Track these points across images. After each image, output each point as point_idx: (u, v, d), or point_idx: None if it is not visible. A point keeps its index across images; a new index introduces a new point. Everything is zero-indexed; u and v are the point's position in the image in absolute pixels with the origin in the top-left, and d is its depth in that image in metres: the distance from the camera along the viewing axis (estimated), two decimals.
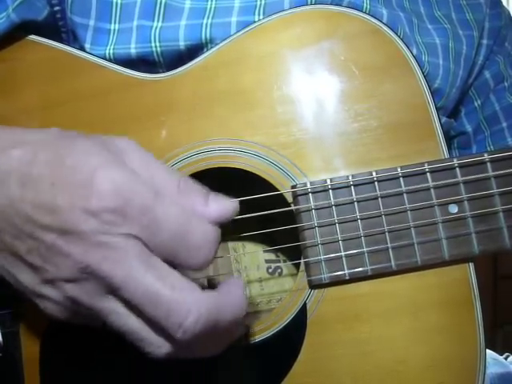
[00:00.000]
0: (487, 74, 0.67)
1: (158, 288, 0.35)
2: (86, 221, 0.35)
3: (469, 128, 0.69)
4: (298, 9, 0.51)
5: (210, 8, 0.54)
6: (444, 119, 0.64)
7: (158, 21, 0.54)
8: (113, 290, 0.35)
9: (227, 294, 0.38)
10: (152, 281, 0.35)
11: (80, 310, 0.38)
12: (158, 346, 0.36)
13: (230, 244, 0.62)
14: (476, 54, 0.65)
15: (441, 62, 0.61)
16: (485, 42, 0.66)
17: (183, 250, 0.36)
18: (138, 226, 0.35)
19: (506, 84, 0.67)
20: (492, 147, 0.67)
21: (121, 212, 0.34)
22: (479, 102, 0.68)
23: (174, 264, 0.36)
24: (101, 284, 0.35)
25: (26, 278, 0.38)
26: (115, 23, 0.54)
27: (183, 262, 0.36)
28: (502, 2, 0.70)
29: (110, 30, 0.54)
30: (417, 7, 0.63)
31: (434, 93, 0.61)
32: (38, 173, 0.36)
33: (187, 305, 0.35)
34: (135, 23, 0.53)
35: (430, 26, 0.63)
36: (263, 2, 0.54)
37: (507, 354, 0.72)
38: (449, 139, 0.71)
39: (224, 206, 0.39)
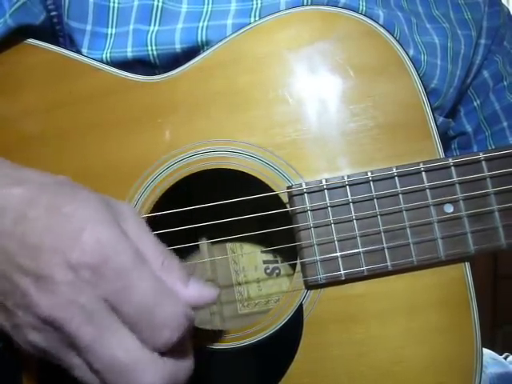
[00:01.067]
0: (486, 74, 0.67)
1: (121, 358, 0.35)
2: (62, 272, 0.35)
3: (469, 128, 0.69)
4: (294, 9, 0.51)
5: (207, 11, 0.54)
6: (441, 119, 0.64)
7: (154, 25, 0.54)
8: (77, 348, 0.36)
9: (181, 360, 0.38)
10: (116, 350, 0.35)
11: (46, 356, 0.38)
12: None
13: (228, 245, 0.63)
14: (474, 53, 0.65)
15: (439, 62, 0.61)
16: (483, 41, 0.66)
17: (147, 324, 0.36)
18: (110, 289, 0.35)
19: (505, 83, 0.67)
20: (493, 147, 0.67)
21: (98, 270, 0.35)
22: (478, 101, 0.68)
23: (138, 335, 0.36)
24: (65, 339, 0.36)
25: (1, 320, 0.38)
26: (112, 27, 0.54)
27: (145, 336, 0.36)
28: (500, 0, 0.70)
29: (107, 34, 0.54)
30: (415, 7, 0.63)
31: (431, 93, 0.61)
32: (34, 215, 0.36)
33: (147, 378, 0.35)
34: (131, 27, 0.54)
35: (428, 26, 0.63)
36: (259, 5, 0.54)
37: (507, 353, 0.71)
38: (447, 139, 0.71)
39: (203, 292, 0.39)
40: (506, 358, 0.70)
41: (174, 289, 0.37)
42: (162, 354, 0.37)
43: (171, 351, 0.37)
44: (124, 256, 0.35)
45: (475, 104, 0.68)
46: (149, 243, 0.38)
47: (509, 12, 0.71)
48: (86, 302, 0.35)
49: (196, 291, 0.38)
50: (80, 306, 0.35)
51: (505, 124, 0.66)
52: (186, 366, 0.39)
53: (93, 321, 0.35)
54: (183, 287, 0.38)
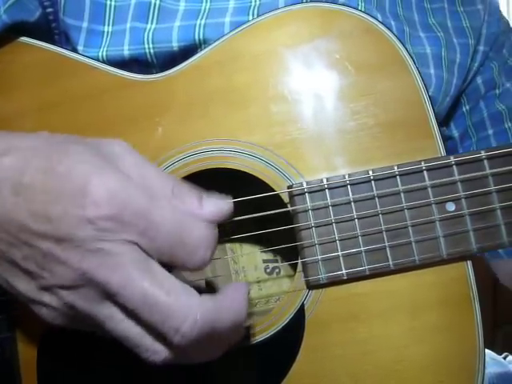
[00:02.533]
0: (479, 80, 0.67)
1: (154, 293, 0.35)
2: (82, 228, 0.34)
3: (455, 133, 0.69)
4: (293, 7, 0.51)
5: (204, 9, 0.54)
6: None
7: (151, 23, 0.53)
8: (110, 296, 0.35)
9: (226, 298, 0.38)
10: (149, 286, 0.35)
11: (77, 315, 0.37)
12: (155, 352, 0.36)
13: (228, 245, 0.62)
14: (472, 60, 0.65)
15: (432, 71, 0.60)
16: (481, 48, 0.66)
17: (181, 251, 0.36)
18: (134, 232, 0.35)
19: (497, 91, 0.67)
20: None
21: (117, 218, 0.34)
22: (467, 107, 0.68)
23: (172, 266, 0.37)
24: (97, 290, 0.35)
25: (22, 285, 0.38)
26: (109, 25, 0.54)
27: (181, 263, 0.37)
28: (500, 11, 0.70)
29: (103, 32, 0.54)
30: (411, 14, 0.63)
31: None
32: (30, 181, 0.36)
33: (184, 310, 0.35)
34: (128, 25, 0.53)
35: (422, 35, 0.62)
36: (258, 3, 0.54)
37: (506, 353, 0.71)
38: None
39: (218, 206, 0.39)
40: (505, 358, 0.70)
41: (191, 210, 0.37)
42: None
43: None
44: (138, 198, 0.35)
45: (464, 109, 0.68)
46: (152, 175, 0.38)
47: (508, 23, 0.70)
48: (112, 248, 0.35)
49: (212, 207, 0.38)
50: (107, 254, 0.35)
51: (490, 132, 0.66)
52: (232, 305, 0.37)
53: (120, 265, 0.35)
54: (199, 207, 0.38)
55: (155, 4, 0.53)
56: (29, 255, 0.36)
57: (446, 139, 0.69)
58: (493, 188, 0.47)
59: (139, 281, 0.35)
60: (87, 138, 0.39)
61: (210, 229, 0.38)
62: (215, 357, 0.39)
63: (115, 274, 0.35)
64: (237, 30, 0.51)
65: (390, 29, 0.50)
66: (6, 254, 0.37)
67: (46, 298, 0.37)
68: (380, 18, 0.57)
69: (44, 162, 0.36)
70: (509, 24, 0.71)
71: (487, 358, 0.68)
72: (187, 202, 0.38)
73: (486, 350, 0.71)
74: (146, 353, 0.36)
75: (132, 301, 0.35)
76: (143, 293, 0.34)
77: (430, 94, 0.59)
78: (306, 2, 0.53)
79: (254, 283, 0.62)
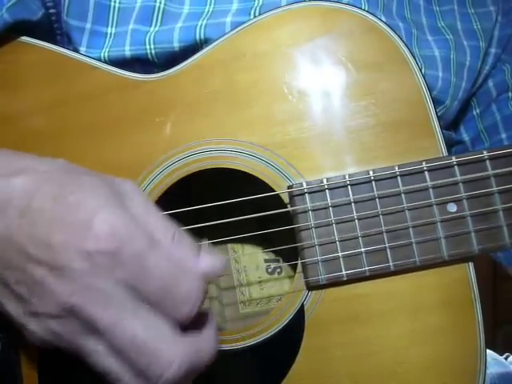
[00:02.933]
0: (490, 83, 0.65)
1: (143, 337, 0.35)
2: (78, 260, 0.35)
3: (466, 137, 0.67)
4: (295, 5, 0.51)
5: (208, 11, 0.54)
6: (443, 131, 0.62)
7: (155, 26, 0.54)
8: (96, 333, 0.36)
9: (203, 339, 0.38)
10: (138, 329, 0.35)
11: (61, 343, 0.38)
12: None
13: (229, 245, 0.62)
14: (482, 63, 0.63)
15: (440, 74, 0.59)
16: (493, 50, 0.64)
17: (169, 301, 0.36)
18: (128, 272, 0.35)
19: (509, 94, 0.65)
20: None
21: (114, 256, 0.35)
22: (478, 110, 0.66)
23: (160, 312, 0.36)
24: (84, 325, 0.36)
25: (12, 308, 0.38)
26: (112, 27, 0.54)
27: (167, 312, 0.36)
28: None
29: (106, 33, 0.54)
30: (418, 17, 0.62)
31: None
32: (38, 206, 0.36)
33: (170, 356, 0.35)
34: (131, 27, 0.53)
35: (430, 38, 0.61)
36: (260, 3, 0.54)
37: (507, 353, 0.71)
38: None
39: (214, 262, 0.39)
40: (506, 358, 0.70)
41: (189, 262, 0.38)
42: (184, 330, 0.37)
43: (193, 329, 0.38)
44: (138, 240, 0.35)
45: (474, 112, 0.67)
46: (157, 220, 0.38)
47: None
48: (104, 286, 0.35)
49: (208, 262, 0.38)
50: (98, 291, 0.35)
51: (503, 136, 0.64)
52: (208, 345, 0.38)
53: (112, 303, 0.35)
54: (195, 260, 0.38)
55: (159, 8, 0.54)
56: (21, 280, 0.36)
57: (455, 143, 0.68)
58: (495, 189, 0.47)
59: (129, 323, 0.35)
60: (102, 174, 0.39)
61: (201, 283, 0.37)
62: None
63: (105, 312, 0.35)
64: (238, 29, 0.51)
65: (392, 28, 0.50)
66: (1, 275, 0.37)
67: (32, 323, 0.37)
68: (386, 20, 0.56)
69: (56, 189, 0.36)
70: None
71: (488, 359, 0.68)
72: (185, 252, 0.38)
73: (488, 351, 0.70)
74: None
75: (120, 341, 0.35)
76: (132, 334, 0.35)
77: (434, 95, 0.58)
78: (308, 0, 0.53)
79: (255, 283, 0.62)
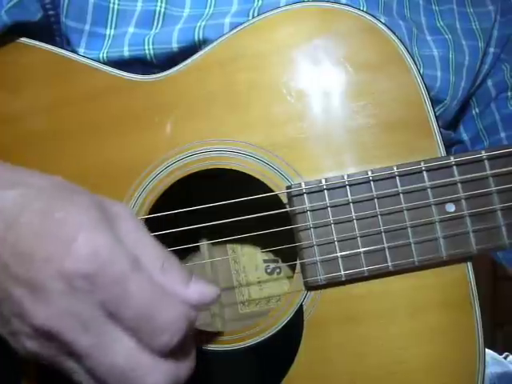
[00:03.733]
0: (490, 83, 0.65)
1: (121, 364, 0.35)
2: (55, 281, 0.34)
3: (465, 137, 0.67)
4: (293, 6, 0.51)
5: (208, 13, 0.54)
6: (442, 131, 0.62)
7: (155, 29, 0.54)
8: (74, 357, 0.35)
9: (184, 355, 0.38)
10: (116, 355, 0.35)
11: (44, 362, 0.37)
12: None
13: (229, 245, 0.62)
14: (481, 63, 0.63)
15: (439, 74, 0.59)
16: (492, 50, 0.64)
17: (146, 330, 0.35)
18: (107, 296, 0.34)
19: (509, 94, 0.65)
20: None
21: (92, 279, 0.34)
22: (477, 110, 0.66)
23: (138, 339, 0.36)
24: (62, 348, 0.36)
25: None
26: (111, 28, 0.54)
27: (144, 340, 0.36)
28: None
29: (105, 34, 0.54)
30: (418, 17, 0.62)
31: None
32: (26, 220, 0.35)
33: (149, 381, 0.35)
34: (132, 30, 0.53)
35: (429, 38, 0.61)
36: (259, 4, 0.54)
37: (506, 353, 0.71)
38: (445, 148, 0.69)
39: (204, 290, 0.38)
40: (505, 358, 0.70)
41: (175, 290, 0.37)
42: (163, 354, 0.36)
43: (172, 352, 0.37)
44: (119, 263, 0.35)
45: (474, 112, 0.67)
46: (147, 246, 0.37)
47: None
48: (81, 310, 0.34)
49: (197, 291, 0.38)
50: (75, 315, 0.34)
51: (503, 135, 0.65)
52: (187, 365, 0.38)
53: (90, 329, 0.34)
54: (184, 288, 0.37)
55: (160, 12, 0.54)
56: (3, 298, 0.36)
57: (455, 143, 0.68)
58: (493, 189, 0.47)
59: (107, 348, 0.35)
60: (95, 195, 0.39)
61: (184, 312, 0.36)
62: None
63: (82, 338, 0.34)
64: (237, 30, 0.51)
65: (391, 28, 0.50)
66: None
67: (13, 342, 0.37)
68: (386, 20, 0.56)
69: (44, 205, 0.36)
70: None
71: (487, 358, 0.68)
72: (174, 279, 0.37)
73: (487, 350, 0.70)
74: None
75: (98, 368, 0.35)
76: (111, 362, 0.35)
77: (432, 95, 0.58)
78: (307, 1, 0.53)
79: (254, 283, 0.62)
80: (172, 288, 0.37)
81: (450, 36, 0.62)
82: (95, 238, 0.35)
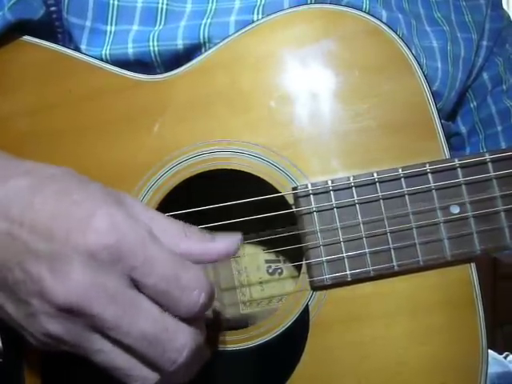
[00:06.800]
0: (485, 76, 0.66)
1: (151, 329, 0.35)
2: (78, 255, 0.34)
3: (463, 129, 0.68)
4: (297, 8, 0.51)
5: (210, 10, 0.54)
6: (442, 122, 0.63)
7: (159, 25, 0.54)
8: (101, 330, 0.35)
9: (201, 328, 0.39)
10: (145, 322, 0.35)
11: (64, 345, 0.37)
12: (146, 379, 0.37)
13: None
14: (475, 55, 0.65)
15: (439, 65, 0.60)
16: (485, 43, 0.66)
17: (175, 291, 0.36)
18: (130, 265, 0.35)
19: (503, 87, 0.66)
20: (485, 150, 0.66)
21: (114, 249, 0.35)
22: (475, 103, 0.67)
23: (165, 306, 0.37)
24: (88, 323, 0.35)
25: (12, 310, 0.38)
26: (111, 25, 0.53)
27: (174, 303, 0.36)
28: (502, 4, 0.69)
29: (106, 31, 0.53)
30: (416, 8, 0.63)
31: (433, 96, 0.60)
32: (41, 201, 0.36)
33: (180, 343, 0.36)
34: (135, 28, 0.53)
35: (428, 29, 0.62)
36: (263, 2, 0.54)
37: (507, 353, 0.72)
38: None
39: (230, 237, 0.40)
40: (506, 358, 0.70)
41: (205, 245, 0.39)
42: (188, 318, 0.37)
43: (193, 318, 0.38)
44: (139, 232, 0.36)
45: (471, 105, 0.68)
46: (164, 221, 0.39)
47: (509, 16, 0.70)
48: (106, 281, 0.35)
49: (225, 239, 0.40)
50: (101, 287, 0.35)
51: (499, 128, 0.66)
52: (203, 334, 0.39)
53: (116, 299, 0.35)
54: (212, 240, 0.39)
55: (162, 8, 0.53)
56: (20, 279, 0.36)
57: (453, 135, 0.69)
58: (497, 191, 0.47)
59: (136, 317, 0.35)
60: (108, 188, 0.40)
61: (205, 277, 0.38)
62: (194, 373, 0.41)
63: (109, 309, 0.34)
64: (241, 32, 0.51)
65: (394, 30, 0.50)
66: None
67: (32, 326, 0.37)
68: (386, 15, 0.57)
69: (59, 188, 0.37)
70: (509, 18, 0.70)
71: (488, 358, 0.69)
72: (202, 238, 0.39)
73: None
74: (135, 381, 0.37)
75: (128, 337, 0.35)
76: (140, 329, 0.35)
77: (435, 88, 0.59)
78: (311, 3, 0.53)
79: (256, 284, 0.62)
80: (202, 247, 0.39)
81: (447, 27, 0.63)
82: (112, 213, 0.36)
